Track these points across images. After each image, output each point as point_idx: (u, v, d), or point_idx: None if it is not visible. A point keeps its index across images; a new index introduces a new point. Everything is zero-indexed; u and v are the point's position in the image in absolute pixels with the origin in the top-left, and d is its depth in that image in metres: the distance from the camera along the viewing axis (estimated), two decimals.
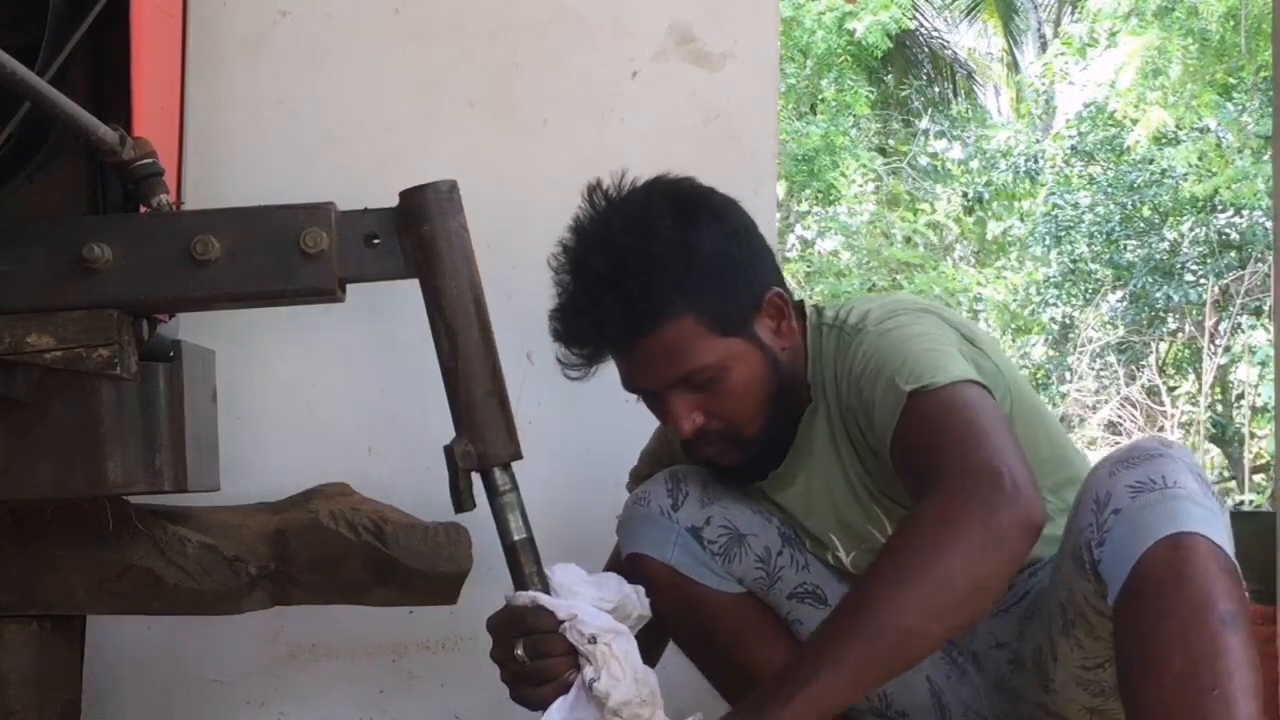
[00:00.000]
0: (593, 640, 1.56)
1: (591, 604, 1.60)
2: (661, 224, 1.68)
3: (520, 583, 1.63)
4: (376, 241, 1.64)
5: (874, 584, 1.43)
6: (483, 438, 1.64)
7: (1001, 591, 1.46)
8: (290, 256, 1.61)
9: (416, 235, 1.63)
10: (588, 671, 1.56)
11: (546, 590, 1.61)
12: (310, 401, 2.26)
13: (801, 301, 1.82)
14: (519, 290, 2.16)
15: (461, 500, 1.65)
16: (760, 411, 1.73)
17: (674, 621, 1.87)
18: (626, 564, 1.86)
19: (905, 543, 1.44)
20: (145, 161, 1.61)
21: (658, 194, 1.73)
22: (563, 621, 1.57)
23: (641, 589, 1.69)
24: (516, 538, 1.63)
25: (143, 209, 1.63)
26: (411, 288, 1.66)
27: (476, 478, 1.65)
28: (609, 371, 1.78)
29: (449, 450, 1.65)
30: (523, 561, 1.63)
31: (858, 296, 1.92)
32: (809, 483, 1.81)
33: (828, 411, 1.77)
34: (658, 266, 1.66)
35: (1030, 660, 1.70)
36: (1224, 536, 1.45)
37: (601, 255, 1.68)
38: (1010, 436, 1.52)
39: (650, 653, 1.81)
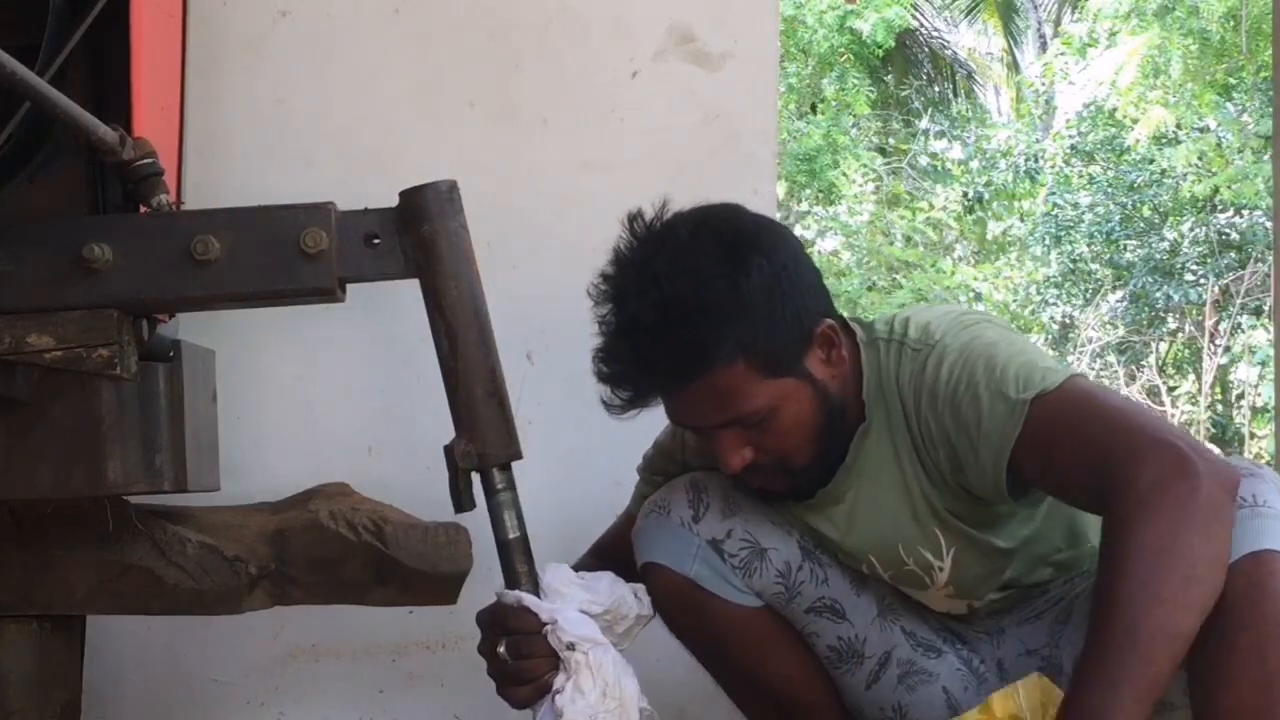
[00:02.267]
0: (570, 647, 1.56)
1: (579, 606, 1.60)
2: (710, 269, 1.60)
3: (511, 581, 1.63)
4: (376, 241, 1.64)
5: (1126, 594, 1.38)
6: (482, 438, 1.64)
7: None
8: (290, 256, 1.61)
9: (416, 235, 1.63)
10: (559, 679, 1.57)
11: (536, 590, 1.61)
12: (310, 401, 2.26)
13: (843, 318, 1.75)
14: (519, 290, 2.16)
15: (461, 500, 1.66)
16: (810, 444, 1.69)
17: (690, 633, 1.85)
18: (641, 572, 1.82)
19: (1136, 543, 1.39)
20: (145, 161, 1.61)
21: (705, 234, 1.64)
22: (546, 624, 1.58)
23: (642, 587, 1.69)
24: (510, 536, 1.64)
25: (143, 209, 1.63)
26: (411, 288, 1.66)
27: (476, 478, 1.65)
28: None
29: (449, 450, 1.65)
30: (514, 560, 1.63)
31: (902, 309, 1.87)
32: (856, 500, 1.76)
33: (889, 429, 1.71)
34: (706, 315, 1.58)
35: (1069, 665, 1.67)
36: None
37: (646, 300, 1.60)
38: (1150, 411, 1.49)
39: None
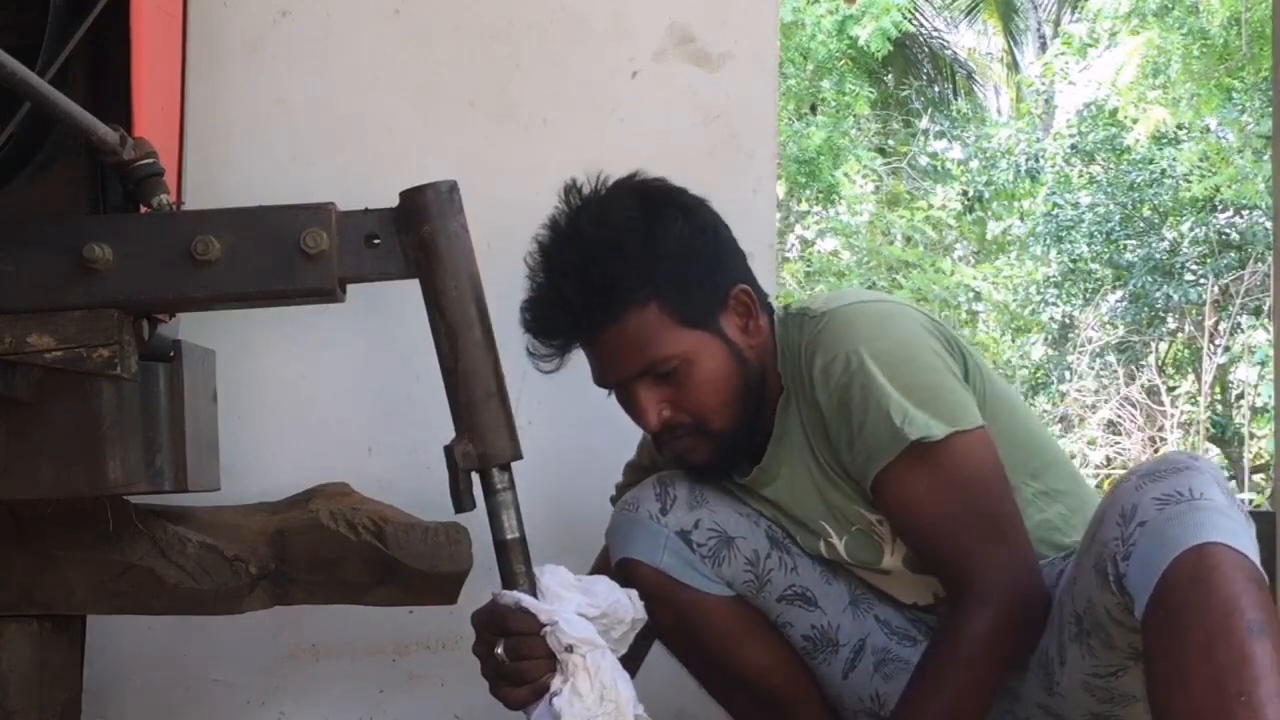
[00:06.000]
0: (569, 649, 1.56)
1: (577, 609, 1.60)
2: (627, 216, 1.73)
3: (509, 582, 1.63)
4: (376, 241, 1.64)
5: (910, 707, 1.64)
6: (483, 438, 1.64)
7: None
8: (290, 256, 1.61)
9: (417, 235, 1.63)
10: (556, 681, 1.57)
11: (533, 591, 1.61)
12: (310, 401, 2.26)
13: (769, 302, 1.85)
14: (519, 290, 2.16)
15: (461, 500, 1.65)
16: (727, 406, 1.75)
17: (664, 625, 1.86)
18: (617, 570, 1.85)
19: (947, 668, 1.63)
20: (145, 161, 1.61)
21: (625, 190, 1.78)
22: (544, 626, 1.58)
23: (635, 592, 1.69)
24: (508, 536, 1.64)
25: (143, 209, 1.63)
26: (411, 288, 1.66)
27: (476, 478, 1.65)
28: None
29: (449, 450, 1.65)
30: (512, 561, 1.63)
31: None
32: (793, 473, 1.82)
33: (798, 397, 1.79)
34: (622, 255, 1.70)
35: (1035, 662, 1.69)
36: (1250, 548, 1.44)
37: (569, 247, 1.73)
38: (1012, 503, 1.67)
39: (634, 657, 1.80)
